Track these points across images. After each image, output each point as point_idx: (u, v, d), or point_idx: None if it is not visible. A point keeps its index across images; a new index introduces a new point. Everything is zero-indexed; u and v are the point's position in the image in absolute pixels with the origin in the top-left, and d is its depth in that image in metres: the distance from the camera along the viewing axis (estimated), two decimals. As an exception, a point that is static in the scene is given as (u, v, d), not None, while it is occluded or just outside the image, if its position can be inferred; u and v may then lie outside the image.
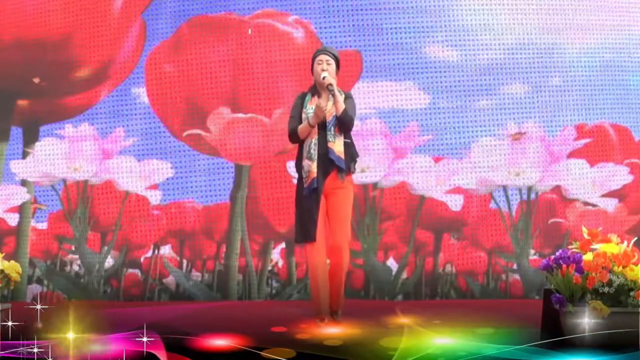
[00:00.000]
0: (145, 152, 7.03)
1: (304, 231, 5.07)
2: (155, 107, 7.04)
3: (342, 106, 5.03)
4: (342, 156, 5.06)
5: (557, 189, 6.83)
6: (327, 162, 5.05)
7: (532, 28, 6.88)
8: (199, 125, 6.95)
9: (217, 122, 6.94)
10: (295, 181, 6.82)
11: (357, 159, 5.23)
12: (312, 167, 5.04)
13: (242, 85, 6.95)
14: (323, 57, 5.14)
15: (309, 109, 5.10)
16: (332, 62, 5.15)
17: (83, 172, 7.04)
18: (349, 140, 5.13)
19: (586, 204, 6.83)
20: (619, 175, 6.85)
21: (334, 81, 5.05)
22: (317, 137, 5.06)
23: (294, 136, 5.16)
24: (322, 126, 5.07)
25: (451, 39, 6.87)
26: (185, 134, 6.99)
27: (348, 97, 5.15)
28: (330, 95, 5.04)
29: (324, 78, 5.06)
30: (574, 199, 6.82)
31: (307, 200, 5.06)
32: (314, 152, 5.04)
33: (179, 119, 7.01)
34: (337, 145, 5.05)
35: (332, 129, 5.06)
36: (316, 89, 5.19)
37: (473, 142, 6.84)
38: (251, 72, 6.95)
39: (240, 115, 6.93)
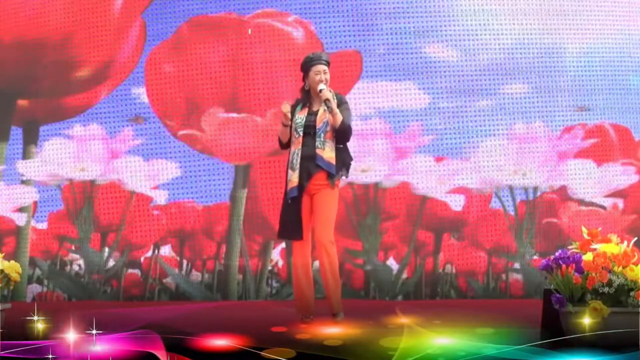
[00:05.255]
0: (145, 152, 7.03)
1: (289, 230, 5.11)
2: (155, 107, 7.04)
3: (339, 118, 5.02)
4: (333, 162, 5.05)
5: (562, 189, 6.82)
6: (312, 167, 5.05)
7: (532, 27, 6.88)
8: (199, 125, 6.95)
9: (210, 122, 6.93)
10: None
11: (351, 163, 5.20)
12: (292, 176, 5.06)
13: (242, 85, 6.95)
14: (320, 67, 5.10)
15: (298, 119, 5.10)
16: (328, 70, 5.14)
17: (89, 172, 7.04)
18: (341, 146, 5.13)
19: (585, 203, 6.84)
20: (622, 175, 6.86)
21: (330, 95, 5.05)
22: (300, 147, 5.06)
23: (280, 143, 5.25)
24: (309, 133, 5.06)
25: (451, 38, 6.87)
26: (179, 133, 6.99)
27: (342, 103, 5.12)
28: (323, 102, 5.05)
29: (320, 91, 5.06)
30: (577, 199, 6.83)
31: (291, 202, 5.10)
32: (296, 163, 5.05)
33: (178, 119, 7.01)
34: (326, 152, 5.04)
35: (322, 135, 5.04)
36: (307, 99, 5.17)
37: (478, 142, 6.83)
38: (251, 72, 6.95)
39: (234, 115, 6.93)
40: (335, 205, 5.13)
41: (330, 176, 5.05)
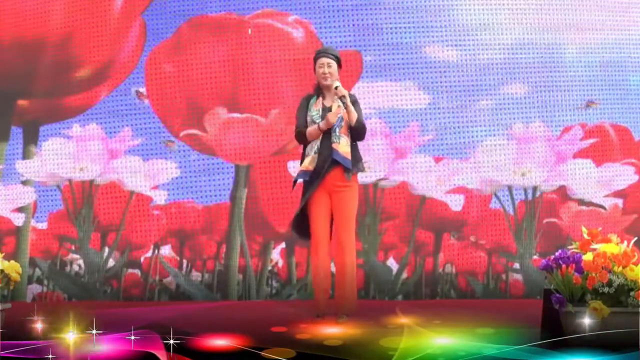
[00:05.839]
0: (145, 152, 7.02)
1: (295, 225, 5.22)
2: (156, 107, 7.04)
3: (355, 115, 5.07)
4: (349, 156, 5.07)
5: (561, 189, 6.82)
6: (330, 162, 5.07)
7: (532, 27, 6.88)
8: (199, 125, 6.95)
9: (213, 122, 6.94)
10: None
11: (362, 161, 5.26)
12: (306, 161, 5.10)
13: (242, 85, 6.95)
14: (324, 59, 5.18)
15: (314, 111, 5.13)
16: (333, 63, 5.19)
17: (89, 171, 7.03)
18: (354, 143, 5.17)
19: (585, 203, 6.83)
20: (622, 175, 6.85)
21: (346, 92, 5.10)
22: (320, 139, 5.11)
23: (301, 137, 5.21)
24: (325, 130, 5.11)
25: (451, 38, 6.87)
26: (182, 134, 6.99)
27: (356, 102, 5.19)
28: (337, 99, 5.10)
29: (336, 88, 5.11)
30: (577, 199, 6.82)
31: (303, 197, 5.14)
32: (312, 150, 5.11)
33: (179, 119, 7.01)
34: (342, 146, 5.08)
35: (337, 130, 5.09)
36: (320, 90, 5.24)
37: (477, 142, 6.84)
38: (251, 72, 6.95)
39: (237, 115, 6.93)
40: (355, 204, 5.18)
41: (347, 170, 5.08)
